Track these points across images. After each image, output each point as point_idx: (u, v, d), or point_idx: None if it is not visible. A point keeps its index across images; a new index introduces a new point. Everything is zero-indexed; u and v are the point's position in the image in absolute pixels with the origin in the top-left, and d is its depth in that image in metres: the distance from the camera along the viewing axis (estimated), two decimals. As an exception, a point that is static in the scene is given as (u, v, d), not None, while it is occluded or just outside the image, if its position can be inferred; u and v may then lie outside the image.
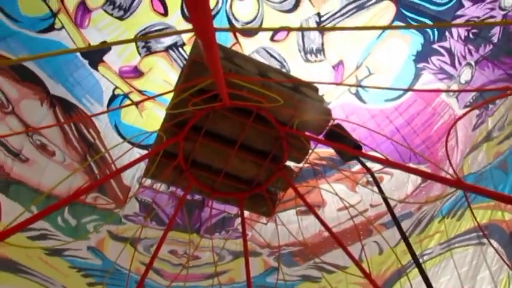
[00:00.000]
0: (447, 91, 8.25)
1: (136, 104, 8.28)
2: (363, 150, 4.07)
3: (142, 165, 9.24)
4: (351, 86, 8.88)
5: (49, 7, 7.46)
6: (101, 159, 9.09)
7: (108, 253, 8.74)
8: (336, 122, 4.28)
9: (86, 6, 7.72)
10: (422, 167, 7.99)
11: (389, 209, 3.53)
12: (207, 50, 2.11)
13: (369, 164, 4.07)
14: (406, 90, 8.61)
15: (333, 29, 8.70)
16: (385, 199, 3.62)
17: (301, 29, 8.84)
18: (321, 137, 4.20)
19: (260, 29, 8.68)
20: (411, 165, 8.33)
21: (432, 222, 7.40)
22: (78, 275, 8.56)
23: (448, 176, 2.99)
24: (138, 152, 7.89)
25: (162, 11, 8.26)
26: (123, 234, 8.85)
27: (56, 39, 7.81)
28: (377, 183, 3.66)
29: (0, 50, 7.08)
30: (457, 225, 7.63)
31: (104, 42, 8.13)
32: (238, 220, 9.19)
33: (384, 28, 8.46)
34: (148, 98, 8.06)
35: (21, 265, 7.57)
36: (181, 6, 8.30)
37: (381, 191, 3.74)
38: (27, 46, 7.45)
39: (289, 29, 8.76)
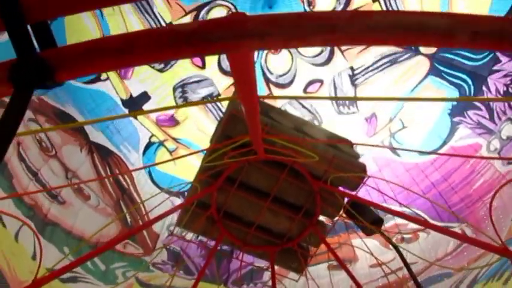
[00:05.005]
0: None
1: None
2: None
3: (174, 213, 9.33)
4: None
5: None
6: (132, 204, 9.23)
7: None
8: (369, 179, 4.23)
9: (130, 60, 8.27)
10: (463, 226, 7.55)
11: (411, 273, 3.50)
12: (249, 115, 2.20)
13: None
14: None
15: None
16: (408, 268, 3.59)
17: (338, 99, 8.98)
18: (355, 193, 4.13)
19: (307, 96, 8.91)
20: (450, 224, 7.90)
21: (476, 285, 6.85)
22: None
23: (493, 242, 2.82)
24: (170, 200, 7.98)
25: (200, 64, 8.71)
26: (150, 281, 8.73)
27: (100, 89, 8.35)
28: (401, 256, 3.63)
29: (47, 99, 7.61)
30: (502, 289, 7.05)
31: (145, 92, 8.60)
32: (267, 273, 8.90)
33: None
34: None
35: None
36: (219, 59, 8.73)
37: (404, 262, 3.64)
38: (73, 95, 7.98)
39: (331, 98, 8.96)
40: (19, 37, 1.21)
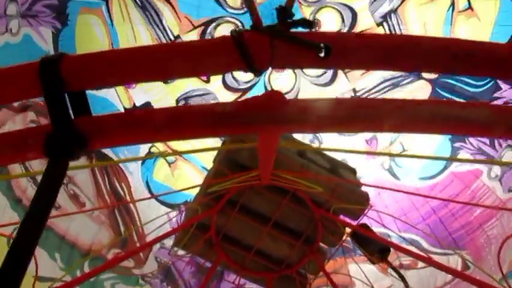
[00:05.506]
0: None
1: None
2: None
3: (167, 226, 9.22)
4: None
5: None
6: (127, 214, 9.14)
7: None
8: (370, 209, 4.19)
9: (135, 69, 8.26)
10: (463, 253, 7.51)
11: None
12: (264, 156, 2.22)
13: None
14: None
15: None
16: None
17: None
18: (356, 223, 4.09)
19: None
20: (450, 251, 7.85)
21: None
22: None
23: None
24: (168, 217, 7.90)
25: (205, 78, 8.69)
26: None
27: (103, 96, 8.32)
28: (404, 281, 3.59)
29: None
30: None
31: (148, 102, 8.59)
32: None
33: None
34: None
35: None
36: (223, 75, 8.73)
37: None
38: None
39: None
40: (56, 105, 1.18)
